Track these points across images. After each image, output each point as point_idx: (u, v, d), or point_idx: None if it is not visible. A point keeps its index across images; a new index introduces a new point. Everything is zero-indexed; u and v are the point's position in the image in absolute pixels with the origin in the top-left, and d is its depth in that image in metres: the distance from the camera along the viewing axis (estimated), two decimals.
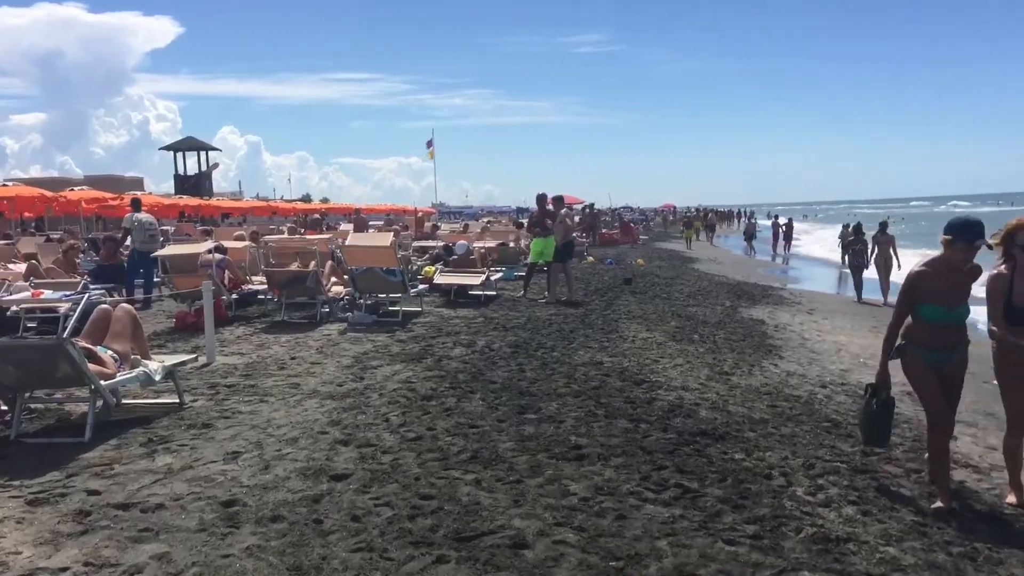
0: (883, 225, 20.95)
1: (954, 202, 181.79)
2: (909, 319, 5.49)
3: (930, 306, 5.32)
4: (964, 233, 5.20)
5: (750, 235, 41.29)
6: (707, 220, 51.90)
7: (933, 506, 5.25)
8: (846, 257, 20.63)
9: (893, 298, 19.62)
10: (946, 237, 5.28)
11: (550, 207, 16.21)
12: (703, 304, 16.15)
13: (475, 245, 18.39)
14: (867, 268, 20.30)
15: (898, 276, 20.51)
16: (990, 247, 5.32)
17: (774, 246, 40.96)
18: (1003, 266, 5.45)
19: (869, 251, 20.34)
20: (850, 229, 21.78)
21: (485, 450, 5.99)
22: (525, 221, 21.70)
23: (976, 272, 5.43)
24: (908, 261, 30.31)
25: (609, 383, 8.42)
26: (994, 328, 5.36)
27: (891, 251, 19.83)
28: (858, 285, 20.31)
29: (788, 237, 39.93)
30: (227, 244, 15.02)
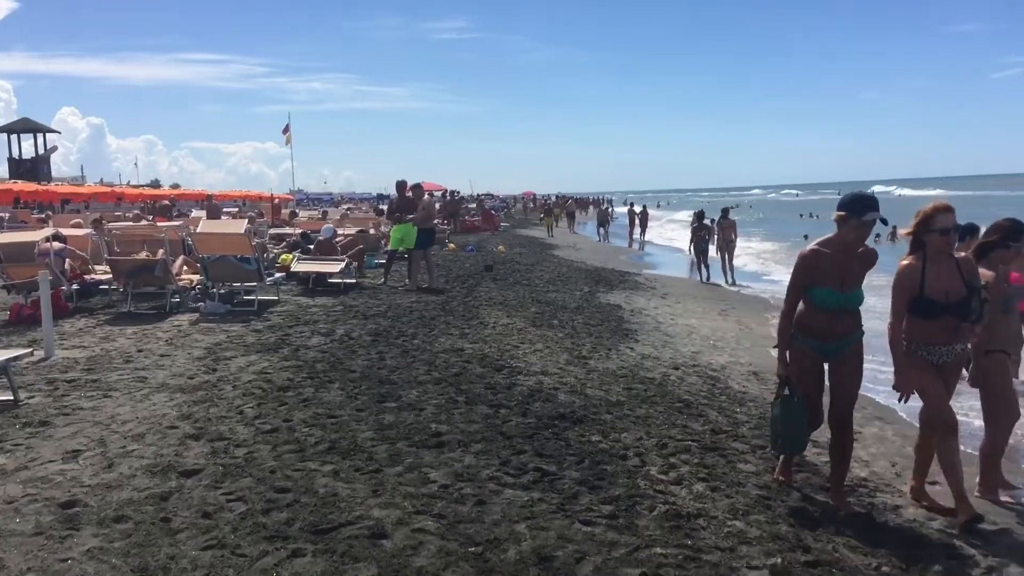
0: (725, 211, 22.90)
1: (787, 191, 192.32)
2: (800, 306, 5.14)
3: (822, 289, 4.95)
4: (856, 208, 4.90)
5: (603, 222, 42.20)
6: (567, 207, 52.75)
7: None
8: (691, 242, 22.09)
9: (736, 279, 21.46)
10: (840, 213, 4.96)
11: (410, 194, 16.09)
12: (562, 290, 16.41)
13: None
14: (711, 251, 21.84)
15: (738, 260, 23.31)
16: (884, 222, 4.99)
17: (630, 233, 42.07)
18: (911, 257, 5.14)
19: (711, 236, 21.89)
20: (693, 216, 23.31)
21: (343, 440, 5.90)
22: (385, 208, 21.47)
23: (871, 258, 5.06)
24: (748, 244, 32.03)
25: (470, 369, 8.44)
26: (890, 324, 5.14)
27: (732, 235, 21.91)
28: (701, 267, 21.69)
29: (643, 224, 41.04)
30: (66, 232, 14.21)
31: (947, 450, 5.11)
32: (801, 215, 58.65)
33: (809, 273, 5.00)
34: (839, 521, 4.91)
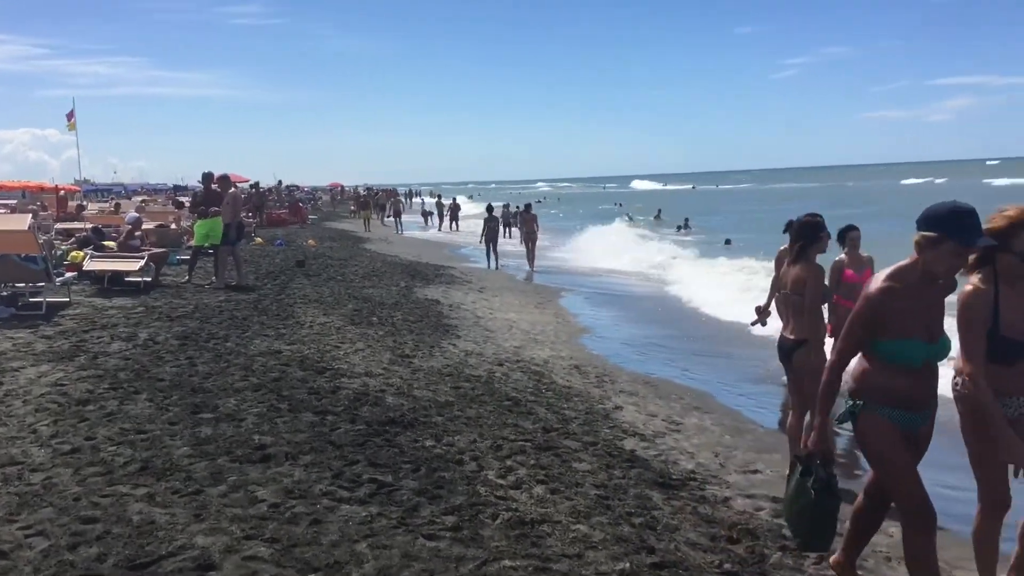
0: (528, 205, 25.35)
1: (565, 183, 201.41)
2: (858, 362, 3.80)
3: (903, 342, 3.61)
4: (958, 229, 3.49)
5: (397, 212, 41.93)
6: (377, 199, 51.99)
7: None
8: (483, 233, 23.75)
9: (538, 265, 22.71)
10: (928, 234, 3.54)
11: (216, 187, 15.25)
12: (379, 285, 16.08)
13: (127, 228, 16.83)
14: (506, 237, 24.83)
15: (545, 249, 25.18)
16: (994, 248, 3.73)
17: (440, 225, 42.11)
18: (978, 278, 3.90)
19: (500, 227, 23.99)
20: (487, 208, 25.02)
21: (157, 459, 5.41)
22: (187, 200, 20.29)
23: (951, 286, 3.82)
24: (559, 240, 32.97)
25: (290, 373, 8.04)
26: (970, 374, 3.78)
27: (534, 226, 23.70)
28: (491, 256, 23.38)
29: (455, 216, 41.21)
30: None
31: (991, 533, 4.12)
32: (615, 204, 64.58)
33: (879, 319, 3.63)
34: (677, 518, 4.99)
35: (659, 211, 47.92)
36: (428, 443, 6.03)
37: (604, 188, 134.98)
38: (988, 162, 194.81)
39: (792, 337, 5.96)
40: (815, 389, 5.97)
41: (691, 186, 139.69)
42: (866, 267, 8.89)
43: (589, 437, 6.69)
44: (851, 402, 3.81)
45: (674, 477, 5.85)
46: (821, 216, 6.15)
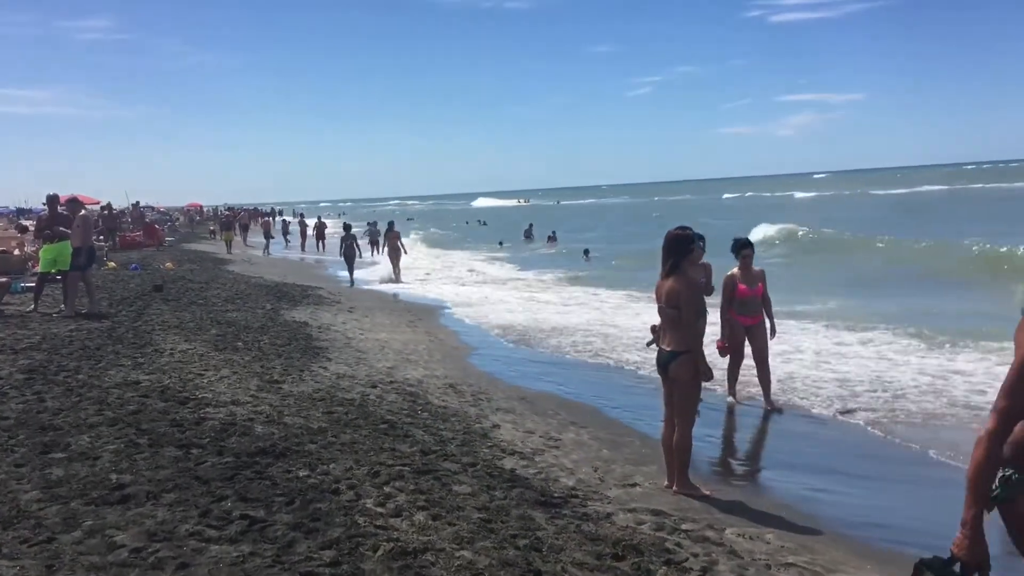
0: (391, 224, 27.77)
1: (412, 200, 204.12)
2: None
3: None
4: None
5: (266, 234, 41.16)
6: (240, 219, 50.40)
7: None
8: (341, 250, 25.31)
9: (403, 278, 23.99)
10: None
11: (63, 209, 14.37)
12: (243, 308, 15.51)
13: None
14: (360, 257, 25.58)
15: (408, 260, 26.86)
16: None
17: (303, 245, 41.30)
18: None
19: (357, 244, 25.06)
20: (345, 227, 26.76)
21: (2, 505, 4.96)
22: (31, 224, 19.10)
23: None
24: (421, 251, 33.69)
25: (150, 405, 7.57)
26: None
27: (399, 243, 25.57)
28: (350, 272, 24.53)
29: (321, 236, 40.43)
30: None
31: None
32: (467, 222, 67.16)
33: None
34: (562, 537, 4.92)
35: (531, 226, 47.32)
36: (302, 473, 5.77)
37: (471, 205, 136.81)
38: (815, 175, 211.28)
39: (669, 349, 6.03)
40: (684, 403, 6.09)
41: (555, 201, 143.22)
42: (758, 282, 9.10)
43: (468, 458, 6.57)
44: (1007, 473, 2.80)
45: (556, 495, 5.80)
46: (691, 228, 6.27)
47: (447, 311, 17.76)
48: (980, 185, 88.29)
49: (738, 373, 9.31)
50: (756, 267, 9.24)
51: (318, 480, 5.63)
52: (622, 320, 15.39)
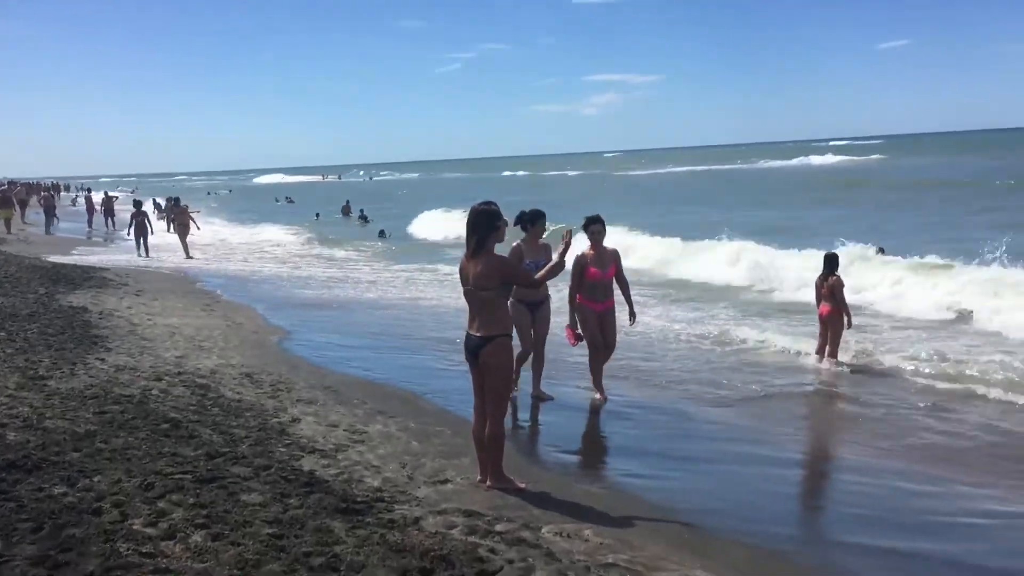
0: (176, 199, 28.97)
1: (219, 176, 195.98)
2: None
3: None
4: None
5: (48, 209, 37.14)
6: (16, 194, 45.82)
7: None
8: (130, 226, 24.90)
9: (193, 255, 23.53)
10: None
11: None
12: (11, 293, 13.82)
13: None
14: (152, 233, 25.08)
15: (198, 236, 26.51)
16: None
17: (90, 221, 38.06)
18: None
19: (148, 220, 24.86)
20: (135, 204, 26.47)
21: None
22: None
23: None
24: (218, 229, 32.27)
25: None
26: None
27: (188, 219, 25.37)
28: (140, 248, 24.32)
29: (110, 212, 37.34)
30: None
31: None
32: (277, 199, 63.43)
33: None
34: (363, 552, 4.38)
35: (347, 202, 45.71)
36: (57, 490, 4.91)
37: (255, 181, 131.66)
38: (606, 154, 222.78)
39: (479, 334, 5.58)
40: (500, 386, 5.68)
41: (368, 177, 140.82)
42: (611, 263, 8.14)
43: (262, 460, 5.89)
44: None
45: (358, 499, 5.22)
46: (496, 204, 5.79)
47: (246, 289, 16.74)
48: (727, 167, 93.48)
49: (602, 366, 8.41)
50: (609, 246, 8.23)
51: (77, 498, 4.81)
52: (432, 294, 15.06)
